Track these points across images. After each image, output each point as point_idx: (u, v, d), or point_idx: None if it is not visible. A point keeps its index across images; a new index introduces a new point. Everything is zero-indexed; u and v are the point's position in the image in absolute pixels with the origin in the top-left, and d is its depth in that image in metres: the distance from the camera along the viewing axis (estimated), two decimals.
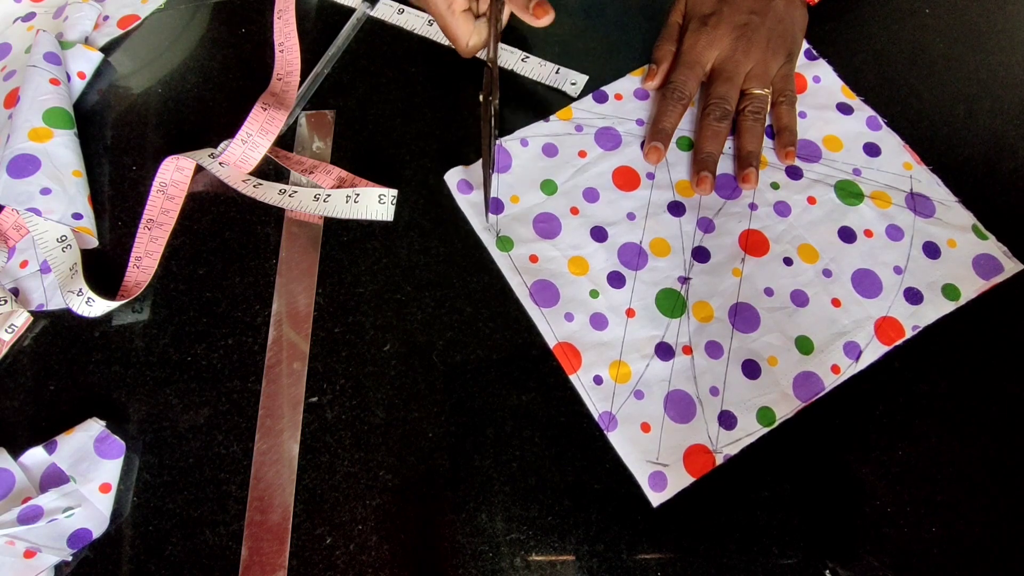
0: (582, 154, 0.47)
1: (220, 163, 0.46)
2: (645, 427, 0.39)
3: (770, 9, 0.46)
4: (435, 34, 0.52)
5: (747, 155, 0.45)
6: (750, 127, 0.45)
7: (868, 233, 0.44)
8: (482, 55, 0.49)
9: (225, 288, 0.43)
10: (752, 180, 0.44)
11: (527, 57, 0.51)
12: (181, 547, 0.36)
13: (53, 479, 0.36)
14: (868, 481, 0.38)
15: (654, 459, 0.38)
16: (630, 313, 0.42)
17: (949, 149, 0.47)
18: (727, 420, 0.39)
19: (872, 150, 0.47)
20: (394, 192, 0.45)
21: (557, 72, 0.50)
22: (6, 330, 0.41)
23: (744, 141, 0.45)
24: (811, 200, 0.45)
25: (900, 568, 0.36)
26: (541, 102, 0.49)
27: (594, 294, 0.42)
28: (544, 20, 0.46)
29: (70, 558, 0.36)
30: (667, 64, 0.48)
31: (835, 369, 0.40)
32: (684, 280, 0.43)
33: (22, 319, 0.41)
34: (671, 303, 0.42)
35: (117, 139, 0.48)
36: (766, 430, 0.38)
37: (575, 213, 0.45)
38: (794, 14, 0.48)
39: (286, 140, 0.48)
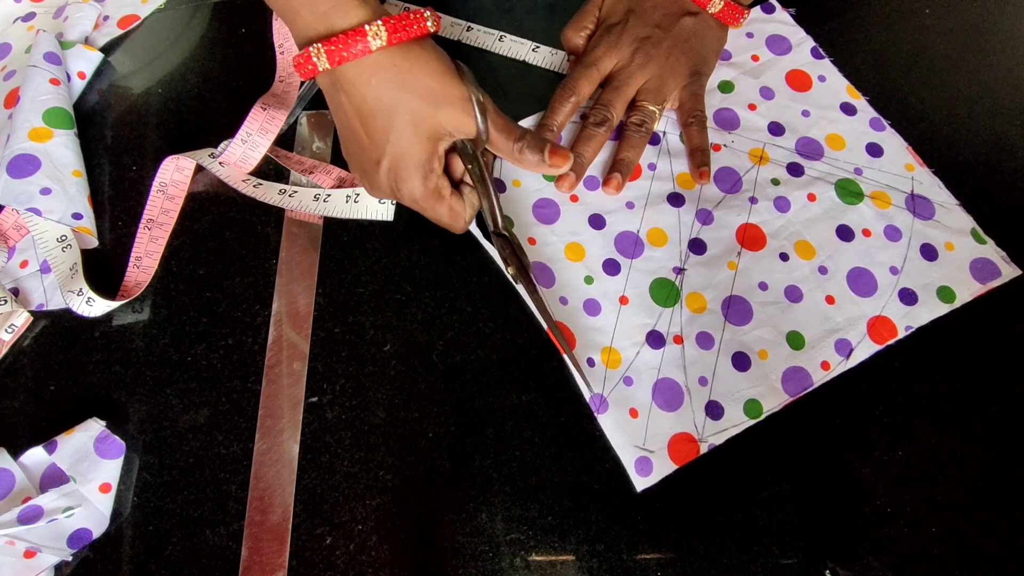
0: None
1: (220, 163, 0.46)
2: (633, 413, 0.39)
3: (676, 26, 0.46)
4: (440, 30, 0.52)
5: (618, 162, 0.45)
6: (629, 136, 0.45)
7: (866, 232, 0.44)
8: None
9: (225, 288, 0.43)
10: (613, 186, 0.44)
11: (537, 47, 0.51)
12: (181, 547, 0.36)
13: (53, 479, 0.36)
14: (868, 481, 0.38)
15: (640, 444, 0.38)
16: (623, 300, 0.42)
17: (949, 149, 0.47)
18: (714, 410, 0.39)
19: (874, 150, 0.47)
20: None
21: (568, 60, 0.50)
22: (6, 330, 0.41)
23: (620, 148, 0.45)
24: (811, 197, 0.45)
25: (900, 568, 0.36)
26: (550, 91, 0.48)
27: (588, 280, 0.42)
28: (565, 166, 0.41)
29: (70, 558, 0.36)
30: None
31: (825, 365, 0.40)
32: (679, 271, 0.43)
33: (22, 319, 0.41)
34: (665, 292, 0.42)
35: (117, 139, 0.48)
36: (752, 422, 0.39)
37: (574, 200, 0.45)
38: (705, 33, 0.47)
39: (286, 140, 0.48)
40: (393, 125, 0.37)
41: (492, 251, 0.43)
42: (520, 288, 0.42)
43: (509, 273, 0.41)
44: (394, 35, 0.35)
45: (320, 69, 0.36)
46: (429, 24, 0.37)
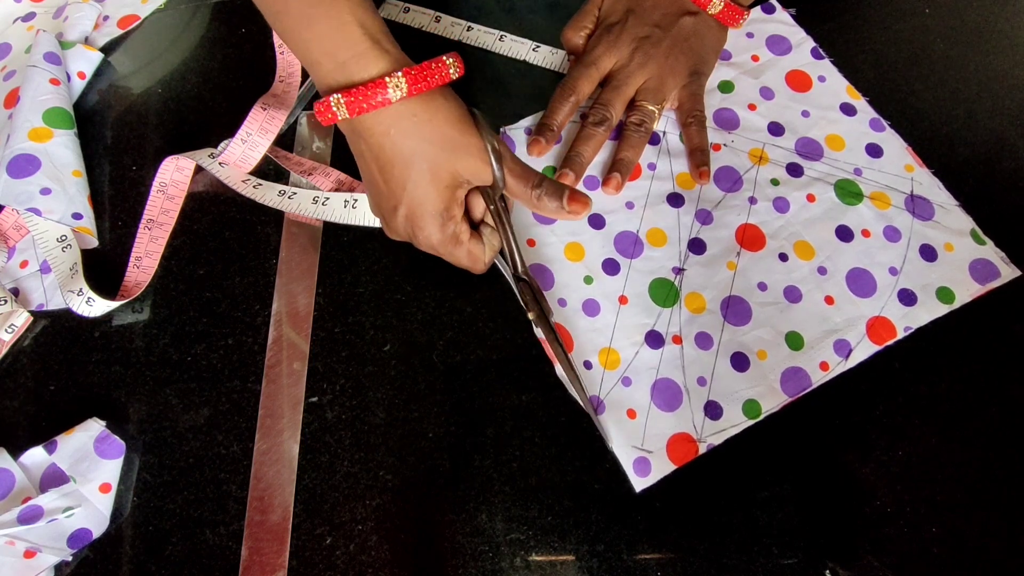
0: None
1: (220, 163, 0.46)
2: (631, 413, 0.39)
3: (675, 25, 0.46)
4: (441, 30, 0.52)
5: (617, 161, 0.45)
6: (628, 136, 0.45)
7: (865, 233, 0.44)
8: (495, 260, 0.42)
9: (225, 288, 0.43)
10: (612, 186, 0.44)
11: (538, 47, 0.51)
12: (181, 547, 0.36)
13: (53, 479, 0.36)
14: (868, 481, 0.38)
15: (639, 445, 0.38)
16: (623, 300, 0.42)
17: (949, 149, 0.47)
18: (713, 410, 0.39)
19: (874, 151, 0.47)
20: None
21: (568, 60, 0.50)
22: (6, 330, 0.41)
23: (620, 148, 0.45)
24: (810, 197, 0.45)
25: (900, 568, 0.36)
26: (550, 90, 0.48)
27: (588, 280, 0.42)
28: (585, 212, 0.39)
29: (70, 558, 0.36)
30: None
31: (824, 366, 0.40)
32: (678, 271, 0.43)
33: (22, 319, 0.41)
34: (664, 292, 0.42)
35: (117, 139, 0.48)
36: (751, 422, 0.39)
37: None
38: (704, 33, 0.47)
39: (286, 140, 0.48)
40: (410, 174, 0.36)
41: (515, 288, 0.42)
42: (538, 332, 0.41)
43: (530, 318, 0.40)
44: (414, 86, 0.35)
45: (340, 118, 0.36)
46: (452, 72, 0.36)
